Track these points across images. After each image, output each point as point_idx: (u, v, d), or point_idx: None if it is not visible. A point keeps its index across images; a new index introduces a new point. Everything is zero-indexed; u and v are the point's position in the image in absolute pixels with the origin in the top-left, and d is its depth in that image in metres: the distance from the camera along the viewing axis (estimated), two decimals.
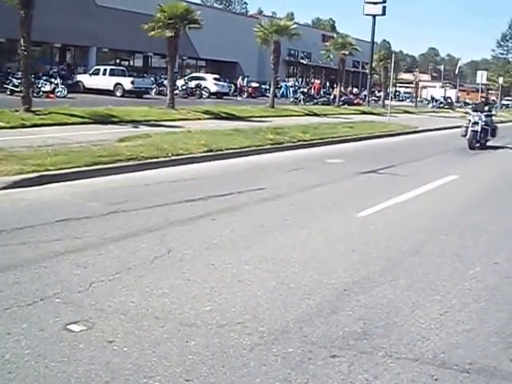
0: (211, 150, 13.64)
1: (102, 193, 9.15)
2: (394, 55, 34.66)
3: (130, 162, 11.40)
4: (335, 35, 48.08)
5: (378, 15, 45.75)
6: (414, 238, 7.39)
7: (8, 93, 30.09)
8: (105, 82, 35.86)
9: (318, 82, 56.49)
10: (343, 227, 7.71)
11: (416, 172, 13.41)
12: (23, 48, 18.26)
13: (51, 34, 35.50)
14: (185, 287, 5.10)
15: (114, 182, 10.08)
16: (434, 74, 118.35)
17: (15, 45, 39.78)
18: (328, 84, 64.34)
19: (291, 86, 51.92)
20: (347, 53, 40.21)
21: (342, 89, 45.02)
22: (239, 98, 43.14)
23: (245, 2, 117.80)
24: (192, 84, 40.39)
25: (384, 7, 45.74)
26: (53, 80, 30.99)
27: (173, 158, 12.45)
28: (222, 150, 13.94)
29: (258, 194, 9.55)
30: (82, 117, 18.34)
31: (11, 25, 33.64)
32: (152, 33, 23.39)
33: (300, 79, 63.49)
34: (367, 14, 46.02)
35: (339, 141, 19.05)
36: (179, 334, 4.16)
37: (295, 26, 33.25)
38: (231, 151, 14.17)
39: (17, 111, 17.88)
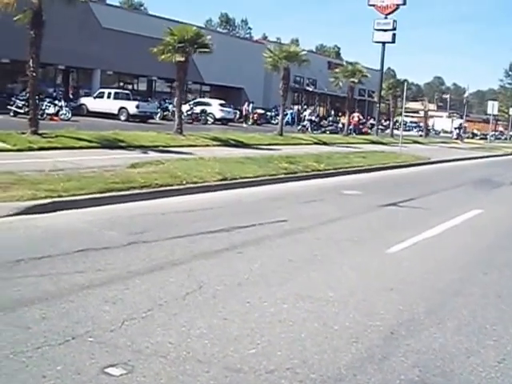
0: (225, 179, 13.49)
1: (119, 221, 8.97)
2: (406, 84, 34.72)
3: (144, 190, 11.23)
4: (344, 63, 48.15)
5: (387, 42, 46.01)
6: (451, 276, 7.19)
7: (12, 114, 30.11)
8: (109, 105, 35.85)
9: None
10: (375, 263, 7.51)
11: (438, 205, 13.23)
12: (32, 69, 18.23)
13: (55, 56, 35.55)
14: (223, 327, 4.89)
15: (130, 210, 9.90)
16: (440, 104, 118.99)
17: (19, 66, 40.19)
18: (333, 112, 64.53)
19: (302, 112, 51.48)
20: (356, 81, 40.31)
21: (354, 118, 45.04)
22: (244, 125, 43.13)
23: (249, 27, 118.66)
24: (197, 109, 40.43)
25: (394, 34, 46.06)
26: (57, 102, 30.97)
27: (187, 186, 12.28)
28: (236, 179, 13.79)
29: (280, 226, 9.36)
30: (90, 141, 18.25)
31: (16, 45, 33.99)
32: (162, 57, 23.40)
33: (305, 106, 63.51)
34: (377, 42, 46.29)
35: (353, 171, 18.91)
36: (227, 381, 3.95)
37: (305, 52, 33.36)
38: (245, 180, 14.02)
39: (23, 133, 17.81)
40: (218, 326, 4.90)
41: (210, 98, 48.33)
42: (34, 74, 18.41)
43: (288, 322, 5.11)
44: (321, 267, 7.11)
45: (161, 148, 19.36)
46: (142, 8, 69.18)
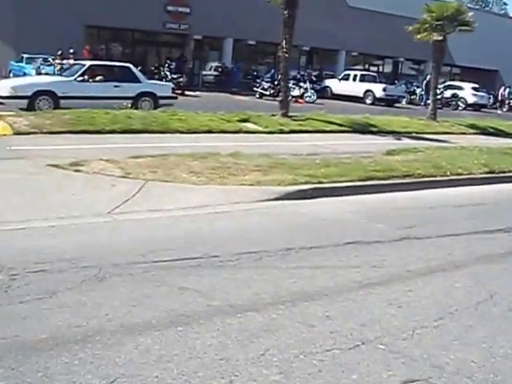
0: (493, 172, 12.56)
1: (384, 213, 8.66)
2: None
3: (406, 180, 10.81)
4: None
5: None
6: None
7: (257, 96, 31.39)
8: (354, 88, 35.90)
9: None
10: None
11: None
12: (284, 50, 18.61)
13: (300, 37, 36.29)
14: None
15: (393, 201, 9.55)
16: None
17: (263, 47, 41.96)
18: None
19: None
20: None
21: None
22: (499, 111, 40.63)
23: (504, 3, 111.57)
24: (447, 93, 38.88)
25: None
26: (302, 84, 31.64)
27: (451, 177, 11.62)
28: (504, 172, 12.79)
29: None
30: (340, 124, 18.23)
31: (261, 27, 35.39)
32: (418, 36, 22.63)
33: None
34: None
35: None
36: None
37: None
38: None
39: (273, 115, 18.28)
40: None
41: (461, 80, 46.23)
42: (287, 56, 18.77)
43: None
44: None
45: (414, 134, 18.74)
46: None
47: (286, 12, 18.38)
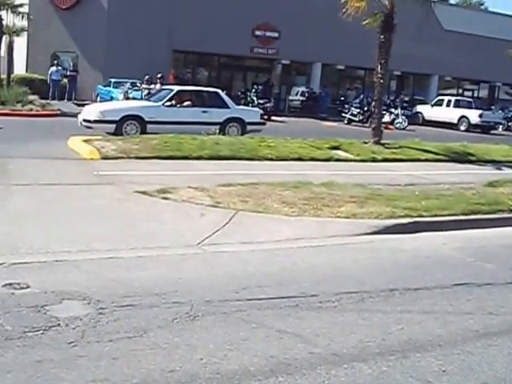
0: None
1: (491, 251, 8.14)
2: None
3: None
4: None
5: None
6: None
7: (345, 122, 31.12)
8: (448, 114, 35.04)
9: None
10: None
11: None
12: (379, 76, 18.27)
13: (392, 61, 35.85)
14: None
15: (501, 238, 9.01)
16: None
17: (351, 72, 41.68)
18: None
19: None
20: None
21: None
22: None
23: None
24: None
25: None
26: (393, 110, 31.14)
27: None
28: None
29: None
30: (436, 153, 17.65)
31: (351, 51, 35.18)
32: None
33: None
34: None
35: None
36: None
37: None
38: None
39: (365, 143, 17.90)
40: None
41: None
42: (382, 81, 18.45)
43: None
44: None
45: None
46: (482, 7, 66.88)
47: (382, 36, 18.04)
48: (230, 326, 4.73)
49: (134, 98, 24.15)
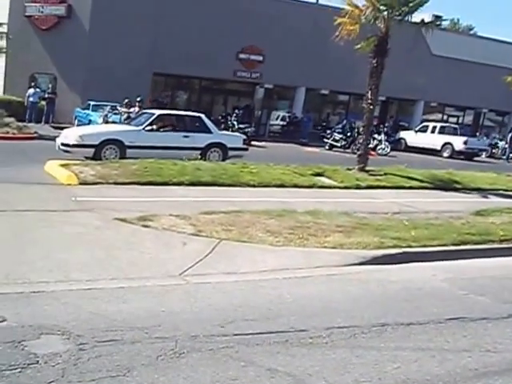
0: None
1: (483, 283, 8.08)
2: None
3: (504, 244, 10.18)
4: None
5: None
6: None
7: (327, 147, 31.15)
8: (432, 140, 35.15)
9: None
10: None
11: None
12: (369, 101, 18.18)
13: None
14: None
15: (491, 269, 8.95)
16: None
17: (334, 97, 41.77)
18: None
19: None
20: None
21: None
22: None
23: None
24: None
25: None
26: (376, 136, 31.19)
27: None
28: None
29: None
30: (421, 180, 17.63)
31: (335, 76, 35.28)
32: None
33: None
34: None
35: None
36: None
37: None
38: None
39: (349, 169, 17.87)
40: None
41: None
42: (372, 107, 18.38)
43: None
44: None
45: (502, 192, 17.99)
46: (471, 32, 67.51)
47: (374, 61, 17.88)
48: (218, 364, 4.59)
49: (114, 122, 23.93)
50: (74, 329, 4.96)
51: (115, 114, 26.22)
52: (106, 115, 26.24)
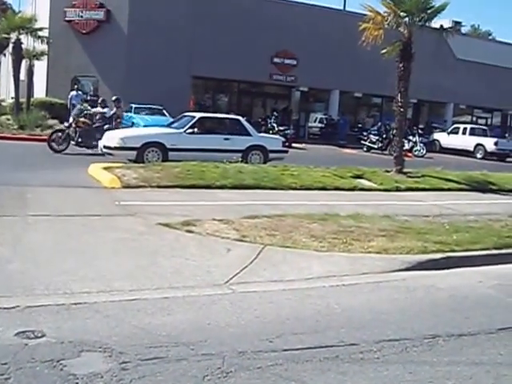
0: None
1: None
2: None
3: None
4: None
5: None
6: None
7: (364, 149, 30.62)
8: (464, 141, 34.51)
9: None
10: None
11: None
12: (399, 104, 17.84)
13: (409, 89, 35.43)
14: None
15: None
16: None
17: (369, 99, 41.26)
18: None
19: None
20: None
21: None
22: None
23: None
24: None
25: None
26: (411, 138, 30.58)
27: None
28: None
29: None
30: (458, 182, 17.07)
31: (368, 79, 34.76)
32: None
33: None
34: None
35: None
36: None
37: None
38: None
39: (388, 171, 17.37)
40: None
41: None
42: (402, 110, 17.99)
43: None
44: None
45: None
46: (490, 37, 66.67)
47: (401, 65, 17.70)
48: None
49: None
50: (116, 345, 4.60)
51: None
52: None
